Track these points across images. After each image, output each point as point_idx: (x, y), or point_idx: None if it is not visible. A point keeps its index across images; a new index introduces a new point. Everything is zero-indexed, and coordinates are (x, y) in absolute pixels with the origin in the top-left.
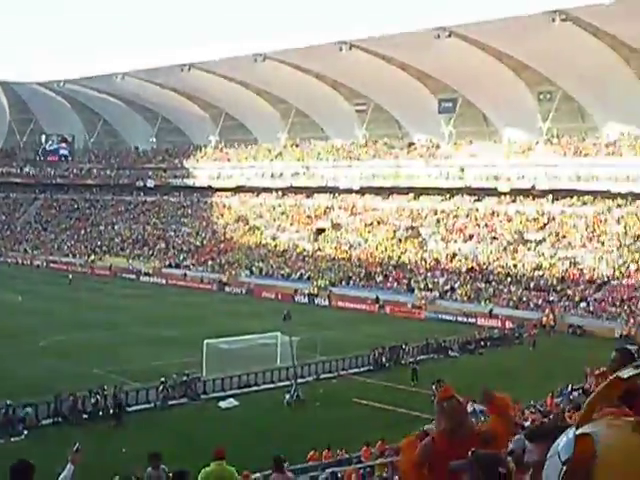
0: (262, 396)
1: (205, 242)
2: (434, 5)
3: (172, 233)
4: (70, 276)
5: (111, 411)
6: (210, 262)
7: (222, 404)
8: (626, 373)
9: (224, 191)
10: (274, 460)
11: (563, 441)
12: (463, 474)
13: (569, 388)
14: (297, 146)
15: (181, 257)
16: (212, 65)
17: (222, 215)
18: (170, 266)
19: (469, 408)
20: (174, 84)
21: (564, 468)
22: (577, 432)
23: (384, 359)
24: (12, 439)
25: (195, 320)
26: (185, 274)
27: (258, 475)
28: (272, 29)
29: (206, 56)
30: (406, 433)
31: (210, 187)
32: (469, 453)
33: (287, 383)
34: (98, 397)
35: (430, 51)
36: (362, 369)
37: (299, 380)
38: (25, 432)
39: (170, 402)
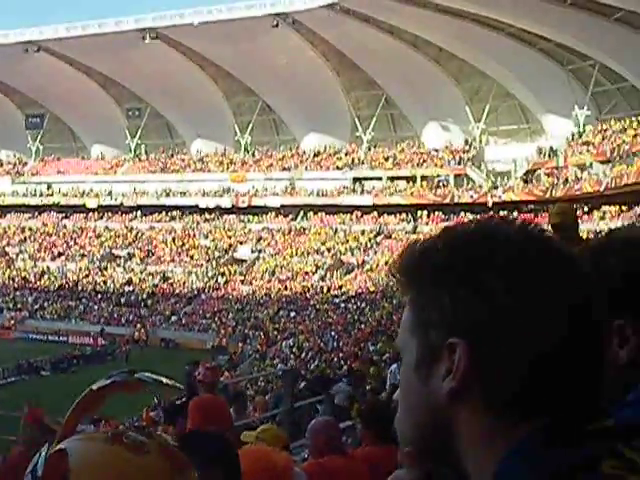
0: None
1: None
2: (24, 19)
3: None
4: None
5: None
6: None
7: None
8: (96, 385)
9: None
10: None
11: (37, 458)
12: None
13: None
14: None
15: None
16: None
17: None
18: None
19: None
20: None
21: None
22: (52, 449)
23: None
24: None
25: None
26: None
27: None
28: None
29: None
30: None
31: None
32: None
33: None
34: None
35: (18, 65)
36: None
37: None
38: None
39: None
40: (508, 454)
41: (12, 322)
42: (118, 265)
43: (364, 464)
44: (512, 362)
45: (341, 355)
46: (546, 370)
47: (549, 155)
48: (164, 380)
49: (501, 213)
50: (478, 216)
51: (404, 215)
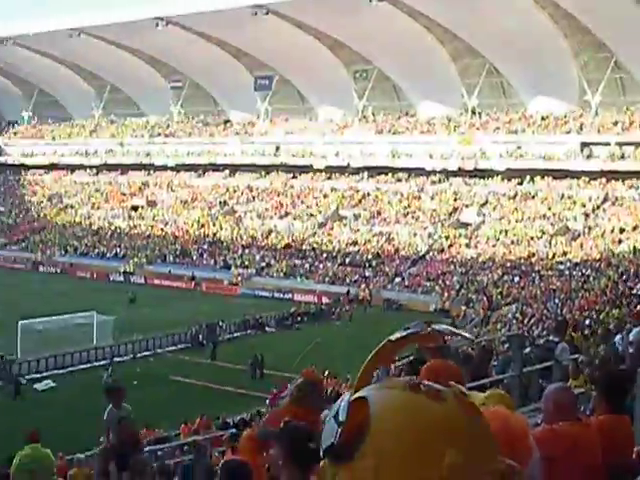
0: (79, 376)
1: (18, 221)
2: None
3: None
4: None
5: None
6: (24, 241)
7: (38, 386)
8: (394, 336)
9: (37, 168)
10: None
11: (340, 405)
12: (273, 444)
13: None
14: (112, 123)
15: None
16: (26, 40)
17: (35, 193)
18: None
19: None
20: None
21: (339, 430)
22: (352, 396)
23: (201, 336)
24: None
25: (8, 301)
26: None
27: (81, 456)
28: (88, 4)
29: (20, 30)
30: (224, 409)
31: (23, 164)
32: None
33: (104, 362)
34: None
35: (247, 28)
36: (179, 347)
37: (116, 359)
38: None
39: None
40: None
41: (239, 279)
42: (344, 225)
43: (598, 432)
44: None
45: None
46: None
47: None
48: (460, 332)
49: None
50: None
51: (633, 182)
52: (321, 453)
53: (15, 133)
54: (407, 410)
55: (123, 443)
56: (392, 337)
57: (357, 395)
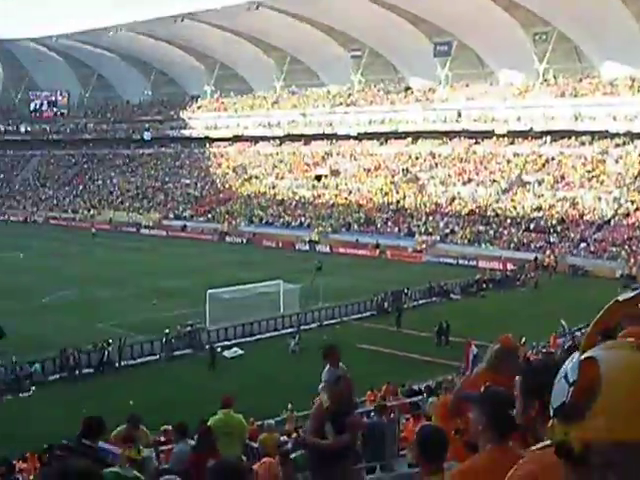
0: (266, 344)
1: (204, 193)
2: None
3: (170, 185)
4: (94, 230)
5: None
6: (210, 213)
7: (227, 353)
8: (622, 296)
9: (221, 141)
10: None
11: (569, 365)
12: (472, 407)
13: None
14: (293, 94)
15: (180, 208)
16: (205, 15)
17: (220, 165)
18: (170, 218)
19: (473, 350)
20: (168, 36)
21: (571, 390)
22: (581, 356)
23: (386, 304)
24: (20, 395)
25: (197, 271)
26: (185, 225)
27: (271, 421)
28: None
29: (199, 6)
30: (409, 376)
31: (207, 137)
32: (482, 388)
33: (291, 330)
34: (107, 351)
35: None
36: (365, 314)
37: (303, 327)
38: (33, 388)
39: (175, 353)
40: None
41: (423, 246)
42: (528, 191)
43: None
44: None
45: None
46: None
47: None
48: None
49: None
50: None
51: None
52: (551, 412)
53: (199, 107)
54: (638, 370)
55: (341, 402)
56: (620, 298)
57: (586, 355)
